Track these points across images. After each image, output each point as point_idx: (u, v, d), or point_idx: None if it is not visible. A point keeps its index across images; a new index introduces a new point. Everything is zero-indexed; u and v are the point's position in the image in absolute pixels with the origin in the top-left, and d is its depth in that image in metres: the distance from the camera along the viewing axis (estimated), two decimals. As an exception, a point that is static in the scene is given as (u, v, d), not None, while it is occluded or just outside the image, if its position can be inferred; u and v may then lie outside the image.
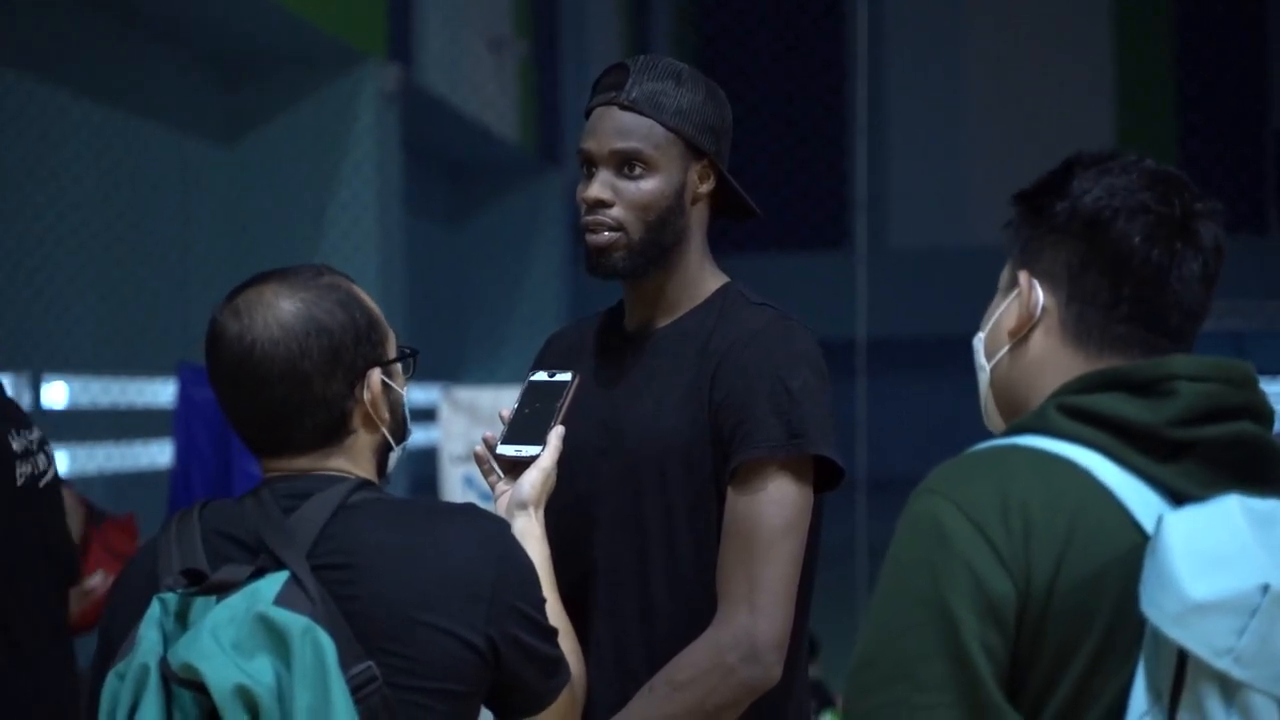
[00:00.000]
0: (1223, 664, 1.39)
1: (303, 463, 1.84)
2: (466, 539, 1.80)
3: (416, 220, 11.74)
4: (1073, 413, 1.54)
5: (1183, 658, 1.41)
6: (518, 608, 1.81)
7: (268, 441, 1.84)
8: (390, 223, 9.50)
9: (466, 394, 7.31)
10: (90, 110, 7.72)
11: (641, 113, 2.27)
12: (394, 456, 1.93)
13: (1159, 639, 1.42)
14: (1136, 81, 20.21)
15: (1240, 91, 20.17)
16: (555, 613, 1.96)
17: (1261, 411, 1.55)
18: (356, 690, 1.66)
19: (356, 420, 1.85)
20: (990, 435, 1.66)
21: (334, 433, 1.84)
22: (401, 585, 1.74)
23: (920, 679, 1.47)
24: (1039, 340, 1.64)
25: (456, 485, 7.00)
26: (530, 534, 2.06)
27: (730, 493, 2.21)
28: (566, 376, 2.21)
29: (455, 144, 12.66)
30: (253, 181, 9.16)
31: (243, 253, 8.87)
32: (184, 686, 1.64)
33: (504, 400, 3.56)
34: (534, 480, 2.10)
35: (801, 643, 2.27)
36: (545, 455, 2.12)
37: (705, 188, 2.33)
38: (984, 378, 1.71)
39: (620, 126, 2.28)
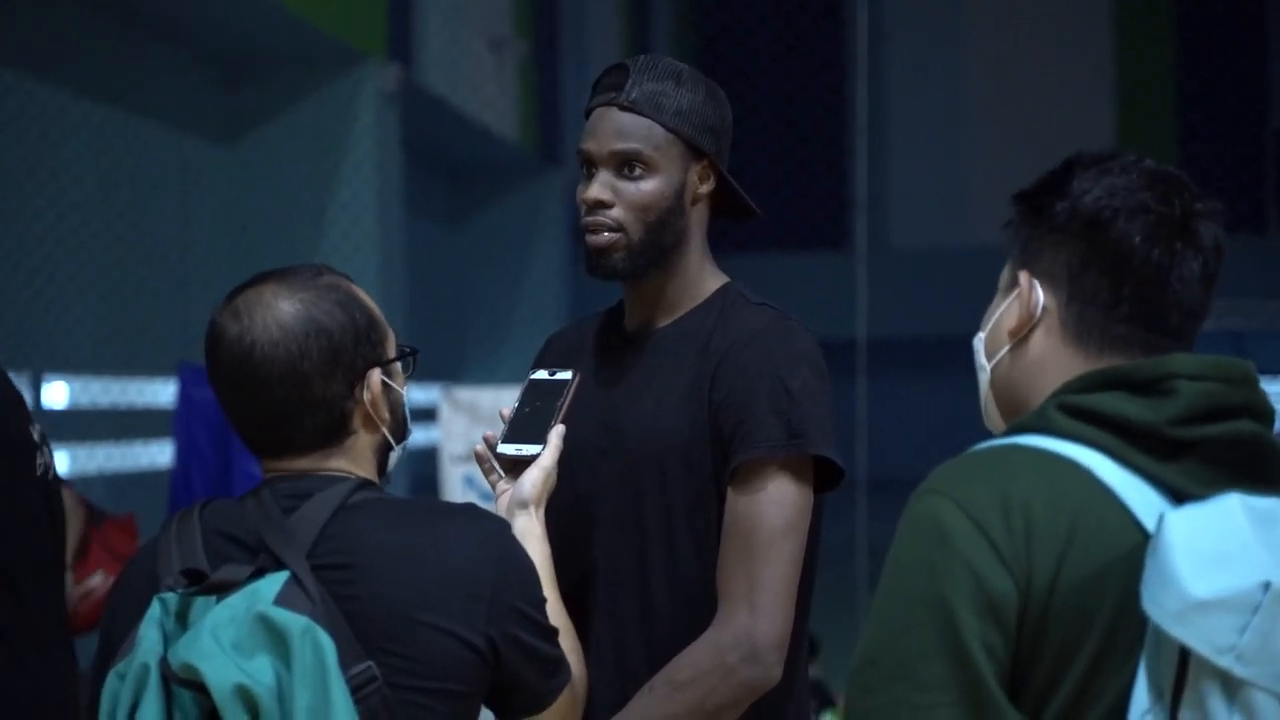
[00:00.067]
0: (1224, 662, 1.39)
1: (303, 463, 1.84)
2: (467, 539, 1.80)
3: (416, 220, 11.74)
4: (1074, 412, 1.55)
5: (1184, 656, 1.41)
6: (518, 608, 1.81)
7: (268, 442, 1.84)
8: (390, 223, 9.50)
9: (467, 394, 7.31)
10: (90, 110, 7.72)
11: (641, 113, 2.27)
12: (394, 456, 1.93)
13: (1160, 637, 1.42)
14: (1136, 81, 20.21)
15: (1240, 91, 20.17)
16: (555, 612, 1.96)
17: (1261, 410, 1.55)
18: (356, 690, 1.66)
19: (357, 420, 1.85)
20: (990, 435, 1.67)
21: (334, 433, 1.84)
22: (401, 585, 1.74)
23: (921, 678, 1.47)
24: (1039, 340, 1.64)
25: (457, 485, 7.00)
26: (531, 533, 2.06)
27: (730, 493, 2.21)
28: (567, 375, 2.21)
29: (455, 144, 12.66)
30: (253, 181, 9.16)
31: (243, 253, 8.87)
32: (184, 686, 1.64)
33: (504, 400, 3.55)
34: (535, 479, 2.10)
35: (801, 643, 2.27)
36: (546, 454, 2.12)
37: (705, 188, 2.33)
38: (984, 378, 1.71)
39: (620, 127, 2.28)
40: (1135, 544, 1.48)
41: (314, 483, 1.81)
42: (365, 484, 1.84)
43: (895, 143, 20.58)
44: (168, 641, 1.68)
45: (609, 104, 2.29)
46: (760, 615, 2.14)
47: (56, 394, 7.24)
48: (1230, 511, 1.43)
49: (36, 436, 3.01)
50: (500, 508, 2.12)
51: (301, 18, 8.31)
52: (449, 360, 13.06)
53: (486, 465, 2.18)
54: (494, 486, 2.17)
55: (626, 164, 2.27)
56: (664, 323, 2.34)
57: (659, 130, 2.27)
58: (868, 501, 7.49)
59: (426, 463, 7.97)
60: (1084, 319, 1.61)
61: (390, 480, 1.96)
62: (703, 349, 2.28)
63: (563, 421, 2.15)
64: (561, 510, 2.24)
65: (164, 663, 1.66)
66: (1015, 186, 1.70)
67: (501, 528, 1.86)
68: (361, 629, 1.70)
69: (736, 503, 2.19)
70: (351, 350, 1.83)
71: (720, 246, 2.37)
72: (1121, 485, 1.51)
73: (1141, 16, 20.21)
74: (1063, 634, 1.48)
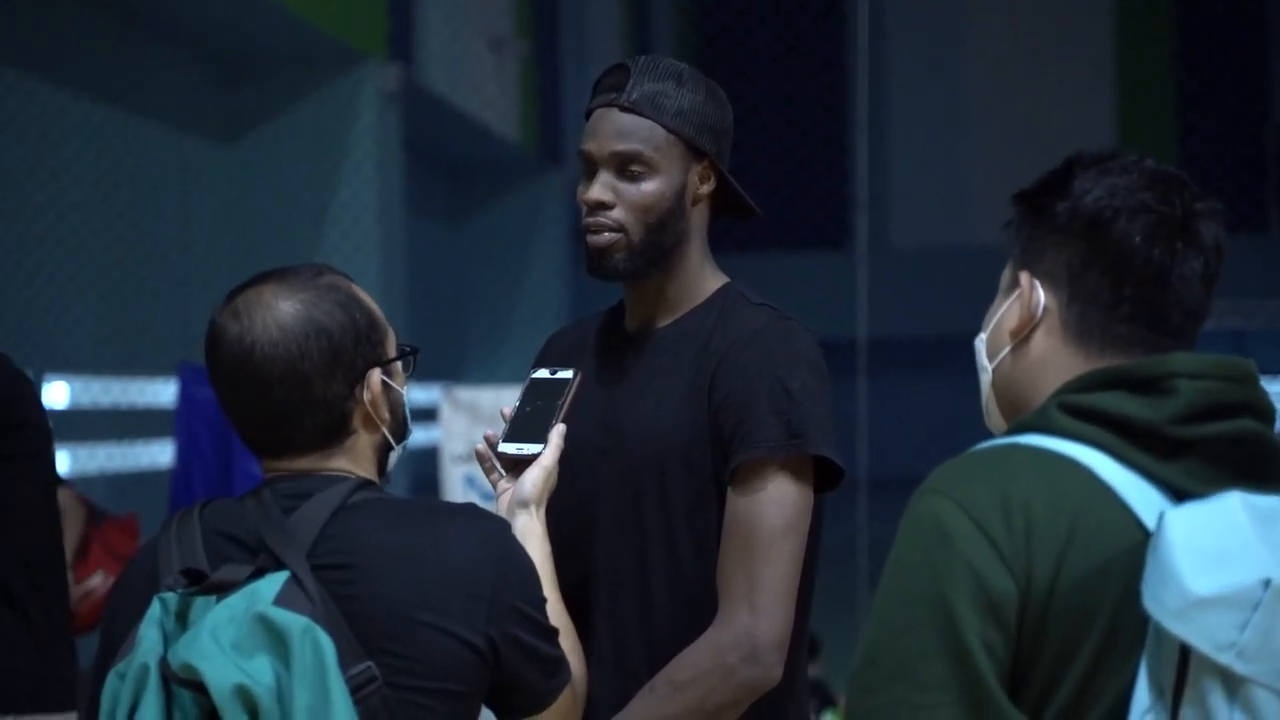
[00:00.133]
0: (1225, 659, 1.39)
1: (303, 463, 1.84)
2: (467, 539, 1.80)
3: (417, 220, 11.74)
4: (1074, 411, 1.55)
5: (1185, 654, 1.41)
6: (518, 608, 1.80)
7: (268, 442, 1.84)
8: (391, 222, 9.51)
9: (467, 393, 7.31)
10: (90, 110, 7.72)
11: (642, 114, 2.27)
12: (394, 456, 1.93)
13: (1161, 635, 1.42)
14: (1137, 81, 20.21)
15: (1240, 90, 20.18)
16: (556, 612, 1.96)
17: (1262, 409, 1.55)
18: (356, 690, 1.65)
19: (357, 420, 1.85)
20: (991, 434, 1.66)
21: (334, 433, 1.84)
22: (401, 585, 1.74)
23: (921, 678, 1.47)
24: (1040, 340, 1.64)
25: (457, 485, 7.00)
26: (531, 532, 2.06)
27: (730, 493, 2.20)
28: (568, 374, 2.21)
29: (456, 144, 12.67)
30: (253, 181, 9.16)
31: (243, 253, 8.87)
32: (184, 686, 1.64)
33: (505, 399, 3.55)
34: (535, 478, 2.10)
35: (802, 643, 2.27)
36: (547, 453, 2.12)
37: (706, 188, 2.33)
38: (986, 379, 1.71)
39: (621, 128, 2.27)
40: (1136, 542, 1.48)
41: (314, 483, 1.81)
42: (365, 484, 1.84)
43: (896, 142, 20.58)
44: (168, 641, 1.68)
45: (610, 105, 2.29)
46: (760, 615, 2.14)
47: (57, 394, 7.25)
48: (1231, 509, 1.43)
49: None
50: (501, 507, 2.12)
51: (302, 18, 8.32)
52: (449, 360, 13.07)
53: (487, 464, 2.18)
54: (495, 486, 2.17)
55: (627, 165, 2.27)
56: (664, 323, 2.34)
57: (660, 131, 2.27)
58: (868, 501, 7.49)
59: (427, 462, 7.97)
60: (1085, 319, 1.61)
61: (390, 480, 1.96)
62: (703, 349, 2.28)
63: (563, 421, 2.15)
64: (562, 510, 2.24)
65: (164, 663, 1.66)
66: (1015, 186, 1.70)
67: (501, 527, 1.86)
68: (361, 629, 1.70)
69: (736, 503, 2.19)
70: (352, 350, 1.83)
71: (721, 246, 2.37)
72: (1122, 484, 1.51)
73: (1141, 16, 20.21)
74: (1063, 633, 1.48)
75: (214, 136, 9.06)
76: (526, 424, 2.17)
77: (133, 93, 8.14)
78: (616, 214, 2.27)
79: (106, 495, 7.23)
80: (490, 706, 1.87)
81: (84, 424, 7.49)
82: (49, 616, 2.95)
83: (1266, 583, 1.39)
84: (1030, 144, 18.79)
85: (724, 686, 2.14)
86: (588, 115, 2.33)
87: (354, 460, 1.86)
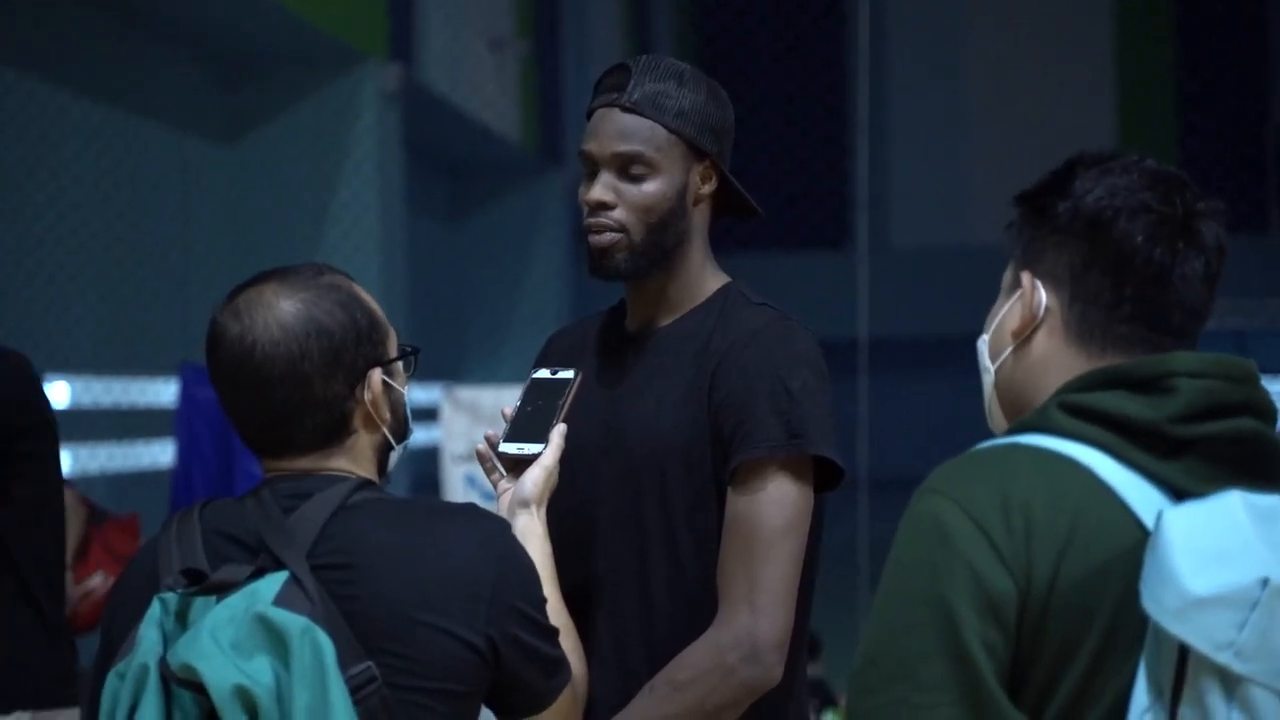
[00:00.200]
0: (1223, 658, 1.39)
1: (304, 463, 1.84)
2: (467, 539, 1.80)
3: (417, 219, 11.74)
4: (1074, 411, 1.55)
5: (1184, 653, 1.41)
6: (518, 608, 1.80)
7: (269, 442, 1.84)
8: (391, 222, 9.51)
9: (468, 393, 7.31)
10: (90, 110, 7.72)
11: (643, 115, 2.27)
12: (395, 456, 1.93)
13: (1160, 635, 1.42)
14: (1137, 81, 20.21)
15: (1240, 90, 20.18)
16: (556, 611, 1.96)
17: (1263, 408, 1.55)
18: (356, 690, 1.65)
19: (357, 420, 1.85)
20: (991, 434, 1.66)
21: (335, 433, 1.84)
22: (401, 585, 1.74)
23: (921, 678, 1.47)
24: (1042, 341, 1.64)
25: (458, 484, 7.00)
26: (532, 532, 2.06)
27: (730, 493, 2.20)
28: (569, 374, 2.21)
29: (456, 143, 12.67)
30: (253, 181, 9.16)
31: (243, 253, 8.87)
32: (183, 687, 1.64)
33: (505, 399, 3.55)
34: (536, 478, 2.10)
35: (802, 643, 2.27)
36: (547, 453, 2.12)
37: (707, 189, 2.33)
38: (988, 379, 1.71)
39: (622, 129, 2.27)
40: (1135, 542, 1.48)
41: (314, 483, 1.81)
42: (365, 484, 1.84)
43: (896, 142, 20.59)
44: (167, 642, 1.68)
45: (611, 105, 2.29)
46: (761, 615, 2.14)
47: (57, 394, 7.25)
48: (1231, 508, 1.43)
49: None
50: (502, 507, 2.12)
51: (302, 17, 8.32)
52: (450, 359, 13.07)
53: (488, 464, 2.18)
54: (495, 485, 2.17)
55: (628, 165, 2.27)
56: (665, 322, 2.34)
57: (661, 131, 2.27)
58: (869, 501, 7.48)
59: (428, 462, 7.97)
60: (1086, 319, 1.61)
61: (391, 480, 1.96)
62: (703, 349, 2.27)
63: (564, 421, 2.15)
64: (563, 510, 2.24)
65: (163, 663, 1.66)
66: (1015, 186, 1.70)
67: (501, 527, 1.86)
68: (361, 629, 1.70)
69: (737, 503, 2.19)
70: (353, 350, 1.83)
71: (723, 245, 2.36)
72: (1122, 484, 1.51)
73: (1142, 16, 20.22)
74: (1063, 632, 1.48)
75: (214, 136, 9.06)
76: (527, 424, 2.17)
77: (133, 93, 8.14)
78: (618, 214, 2.27)
79: (107, 495, 7.23)
80: (490, 706, 1.86)
81: (84, 424, 7.49)
82: (59, 613, 2.99)
83: (1264, 582, 1.39)
84: (1030, 144, 18.79)
85: (724, 686, 2.14)
86: (589, 115, 2.33)
87: (354, 460, 1.86)
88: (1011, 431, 1.60)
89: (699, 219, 2.33)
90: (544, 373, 2.23)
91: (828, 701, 6.65)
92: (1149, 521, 1.49)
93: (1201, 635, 1.39)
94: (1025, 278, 1.65)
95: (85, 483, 6.96)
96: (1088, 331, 1.61)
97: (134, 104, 8.13)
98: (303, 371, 1.79)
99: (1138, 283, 1.59)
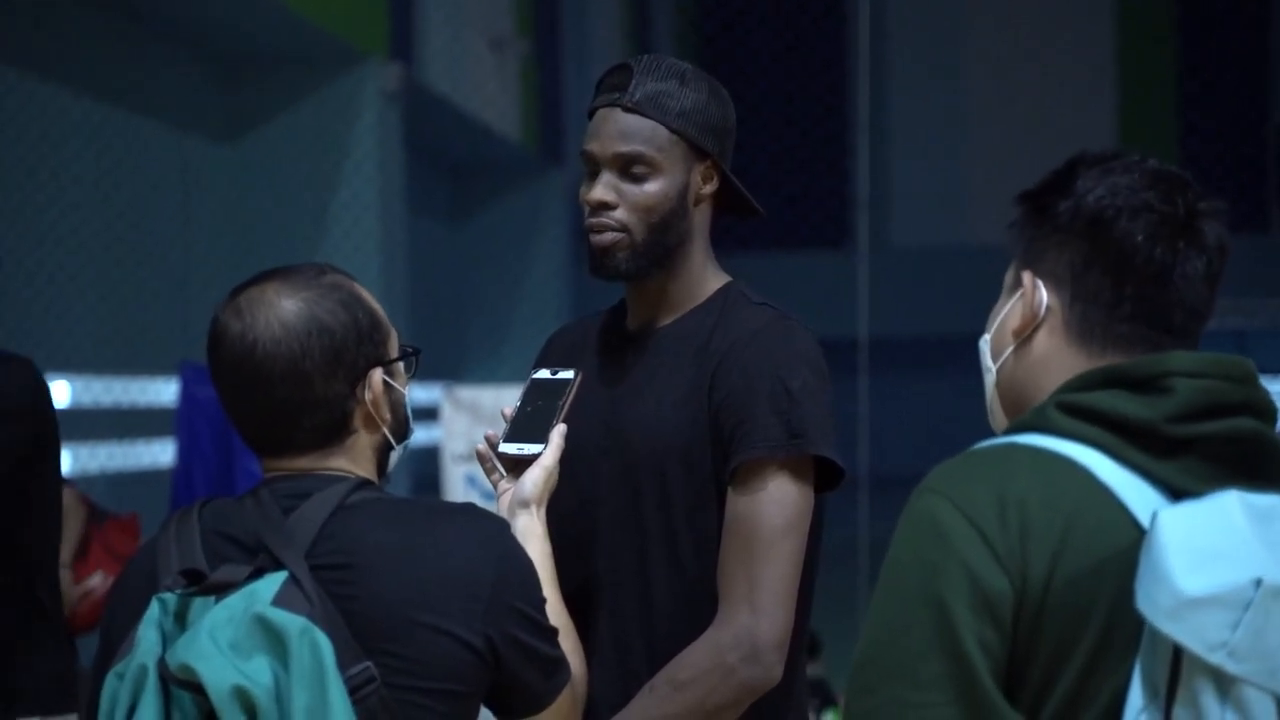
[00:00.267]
0: (1216, 659, 1.39)
1: (303, 462, 1.83)
2: (466, 539, 1.79)
3: (418, 219, 11.74)
4: (1072, 410, 1.54)
5: (1178, 654, 1.41)
6: (517, 608, 1.80)
7: (268, 441, 1.84)
8: (392, 222, 9.51)
9: (468, 393, 7.32)
10: (90, 110, 7.72)
11: (645, 115, 2.27)
12: (395, 456, 1.93)
13: (1155, 635, 1.42)
14: (1137, 81, 20.21)
15: (1241, 90, 20.18)
16: (556, 611, 1.96)
17: (1262, 408, 1.55)
18: (355, 691, 1.65)
19: (358, 420, 1.85)
20: (991, 433, 1.66)
21: (335, 432, 1.84)
22: (401, 585, 1.74)
23: (918, 677, 1.47)
24: (1043, 340, 1.64)
25: (458, 484, 7.00)
26: (532, 532, 2.06)
27: (730, 493, 2.20)
28: (569, 374, 2.21)
29: (457, 143, 12.67)
30: (253, 181, 9.16)
31: (243, 252, 8.87)
32: (182, 687, 1.63)
33: (505, 399, 3.55)
34: (536, 478, 2.10)
35: (802, 643, 2.27)
36: (547, 453, 2.12)
37: (708, 188, 2.33)
38: (990, 379, 1.71)
39: (623, 129, 2.27)
40: (1132, 542, 1.48)
41: (313, 482, 1.81)
42: (364, 483, 1.83)
43: (896, 142, 20.58)
44: (166, 642, 1.68)
45: (612, 105, 2.29)
46: (761, 615, 2.14)
47: (58, 393, 7.24)
48: (1227, 508, 1.43)
49: None
50: (502, 507, 2.12)
51: (302, 17, 8.31)
52: (450, 359, 13.07)
53: (488, 464, 2.18)
54: (495, 486, 2.17)
55: (630, 165, 2.27)
56: (666, 322, 2.34)
57: (662, 131, 2.27)
58: (869, 501, 7.49)
59: (428, 462, 7.97)
60: (1087, 318, 1.61)
61: (390, 480, 1.95)
62: (703, 348, 2.27)
63: (564, 421, 2.15)
64: (563, 510, 2.24)
65: (162, 663, 1.66)
66: (1016, 186, 1.70)
67: (501, 527, 1.86)
68: (360, 629, 1.70)
69: (737, 503, 2.19)
70: (354, 350, 1.82)
71: (723, 245, 2.36)
72: (1119, 483, 1.51)
73: (1142, 16, 20.21)
74: (1059, 632, 1.48)
75: (214, 136, 9.06)
76: (527, 424, 2.17)
77: (133, 93, 8.14)
78: (619, 214, 2.27)
79: (107, 495, 7.23)
80: (490, 707, 1.86)
81: (85, 423, 7.49)
82: (61, 615, 3.00)
83: (1258, 582, 1.39)
84: (1031, 144, 18.79)
85: (724, 686, 2.14)
86: (590, 115, 2.33)
87: (354, 460, 1.86)
88: (1010, 431, 1.60)
89: (700, 219, 2.33)
90: (544, 373, 2.23)
91: (828, 701, 6.66)
92: (1146, 521, 1.49)
93: (1195, 635, 1.39)
94: (1026, 277, 1.65)
95: (85, 482, 6.96)
96: (1088, 331, 1.61)
97: (134, 104, 8.13)
98: (303, 370, 1.79)
99: (1138, 282, 1.59)
